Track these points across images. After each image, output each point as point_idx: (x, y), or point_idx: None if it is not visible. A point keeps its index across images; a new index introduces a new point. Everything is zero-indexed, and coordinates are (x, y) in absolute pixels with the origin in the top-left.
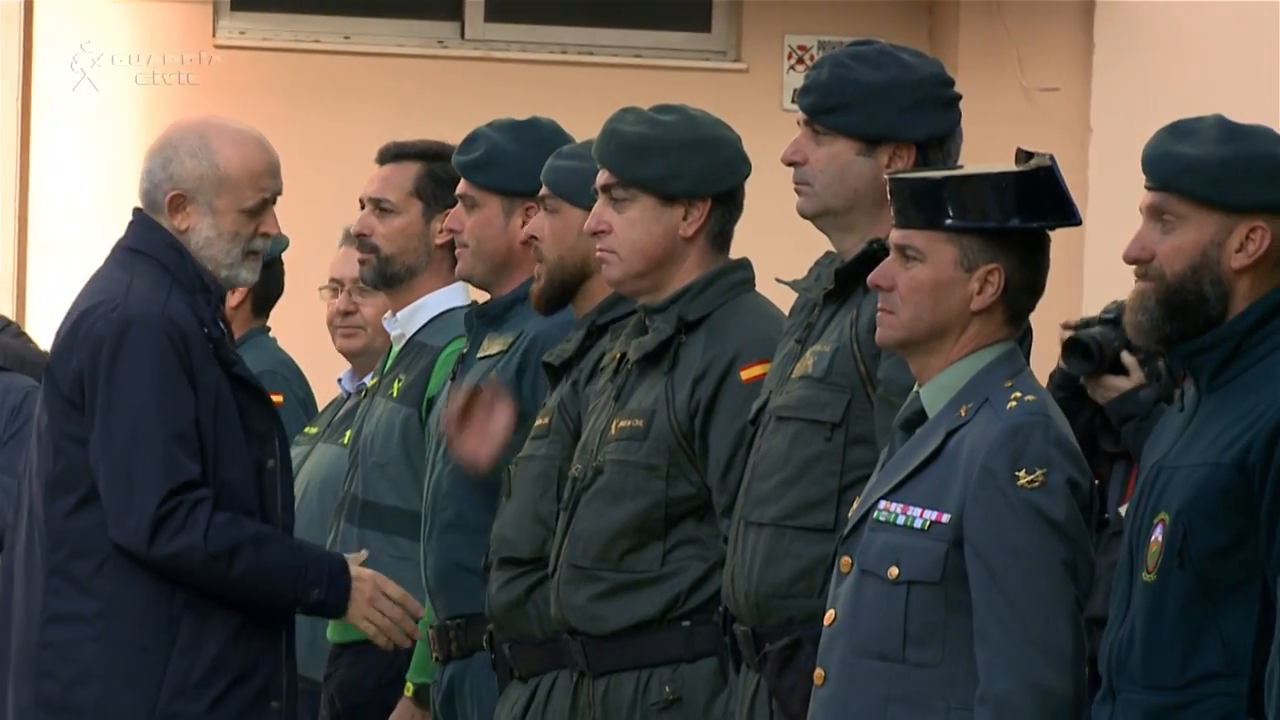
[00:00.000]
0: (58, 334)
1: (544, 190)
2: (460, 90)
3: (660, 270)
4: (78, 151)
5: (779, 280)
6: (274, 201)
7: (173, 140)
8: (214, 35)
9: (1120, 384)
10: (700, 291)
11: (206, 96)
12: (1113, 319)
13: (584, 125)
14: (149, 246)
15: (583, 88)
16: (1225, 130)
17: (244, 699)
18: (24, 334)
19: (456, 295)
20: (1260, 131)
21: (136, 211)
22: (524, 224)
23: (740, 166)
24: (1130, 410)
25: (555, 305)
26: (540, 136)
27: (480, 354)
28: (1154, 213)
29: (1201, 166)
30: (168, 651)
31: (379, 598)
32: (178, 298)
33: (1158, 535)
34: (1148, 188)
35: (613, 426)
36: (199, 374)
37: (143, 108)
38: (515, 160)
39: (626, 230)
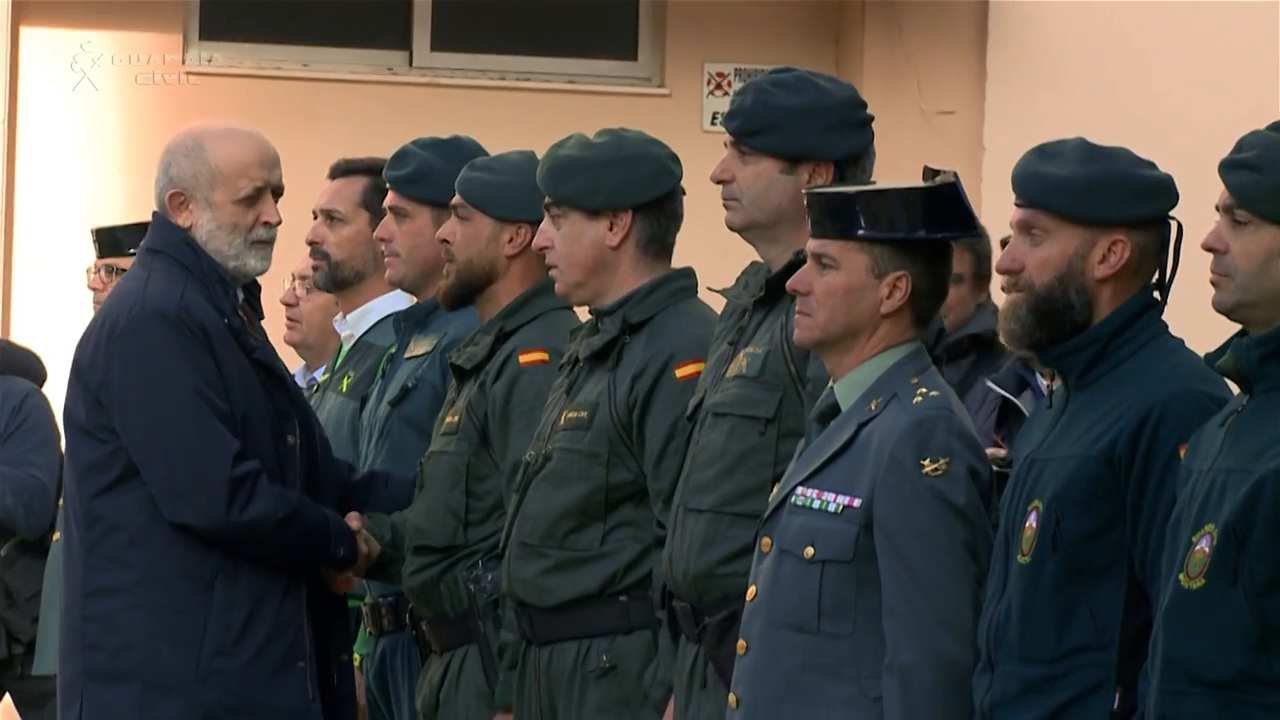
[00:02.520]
0: (84, 336)
1: (456, 198)
2: (409, 113)
3: (596, 278)
4: (63, 163)
5: (710, 288)
6: (271, 192)
7: (171, 146)
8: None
9: None
10: (645, 297)
11: (179, 120)
12: None
13: (521, 144)
14: (164, 245)
15: (520, 111)
16: (1087, 151)
17: (276, 656)
18: (12, 343)
19: (402, 299)
20: (1119, 153)
21: (154, 213)
22: None
23: (662, 180)
24: None
25: (459, 303)
26: (464, 153)
27: (407, 354)
28: (1023, 228)
29: (1066, 185)
30: (205, 613)
31: (371, 554)
32: (194, 290)
33: (1032, 521)
34: (1017, 205)
35: (562, 418)
36: (222, 360)
37: (120, 123)
38: (443, 175)
39: (562, 244)
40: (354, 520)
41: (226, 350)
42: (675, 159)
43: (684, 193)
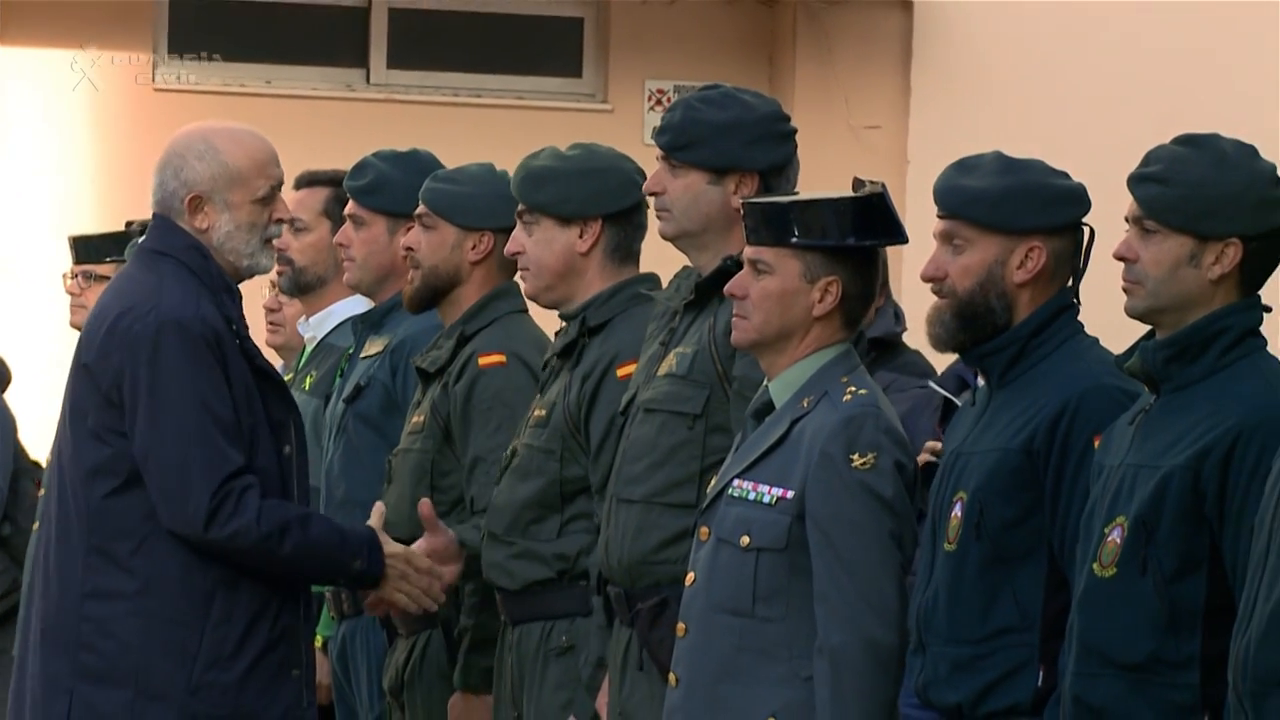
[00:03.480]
0: (89, 335)
1: (421, 208)
2: (366, 127)
3: (565, 282)
4: (36, 174)
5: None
6: (280, 189)
7: (179, 150)
8: (153, 80)
9: None
10: (605, 301)
11: (148, 134)
12: None
13: (473, 157)
14: (171, 249)
15: (472, 125)
16: (1004, 164)
17: (270, 668)
18: None
19: (362, 303)
20: (1034, 164)
21: (155, 216)
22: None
23: (630, 191)
24: None
25: (423, 306)
26: (420, 166)
27: (363, 354)
28: (945, 237)
29: (984, 196)
30: (202, 625)
31: (409, 572)
32: (206, 299)
33: (957, 511)
34: (939, 216)
35: (532, 415)
36: (230, 370)
37: (91, 137)
38: (399, 186)
39: (534, 249)
40: (376, 517)
41: (234, 360)
42: (641, 172)
43: (649, 205)
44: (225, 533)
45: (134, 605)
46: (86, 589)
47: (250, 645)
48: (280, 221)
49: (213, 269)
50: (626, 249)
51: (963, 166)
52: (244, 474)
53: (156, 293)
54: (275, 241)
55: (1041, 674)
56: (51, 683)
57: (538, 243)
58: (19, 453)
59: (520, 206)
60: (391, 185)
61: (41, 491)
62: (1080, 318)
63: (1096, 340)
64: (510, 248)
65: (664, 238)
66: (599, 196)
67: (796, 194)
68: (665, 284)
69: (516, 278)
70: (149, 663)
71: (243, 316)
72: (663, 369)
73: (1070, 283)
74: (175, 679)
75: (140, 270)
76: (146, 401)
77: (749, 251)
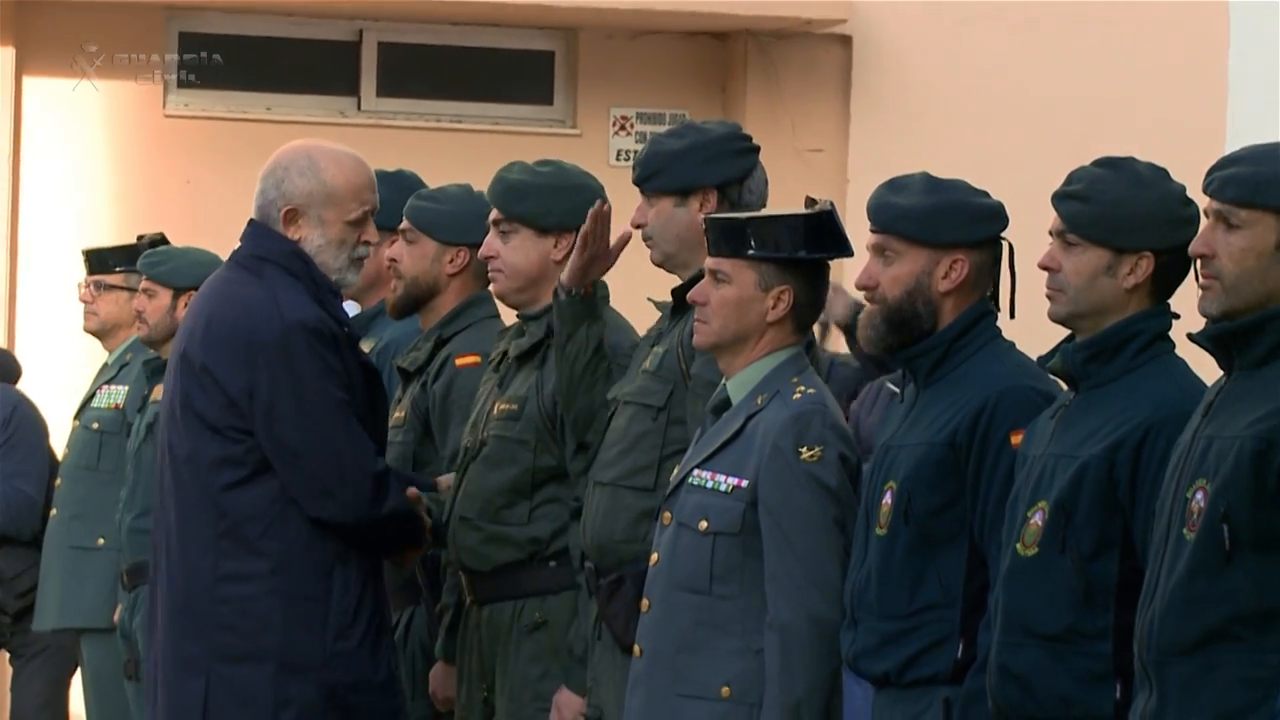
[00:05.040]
0: (198, 335)
1: (405, 224)
2: (357, 150)
3: (535, 287)
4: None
5: (649, 299)
6: (374, 214)
7: (283, 163)
8: (164, 107)
9: None
10: None
11: (160, 156)
12: None
13: (453, 177)
14: (272, 254)
15: (452, 148)
16: (930, 184)
17: (374, 634)
18: None
19: (354, 308)
20: (958, 184)
21: (252, 223)
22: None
23: None
24: None
25: (405, 313)
26: (406, 184)
27: None
28: (877, 250)
29: (912, 213)
30: (328, 598)
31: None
32: (314, 300)
33: (888, 499)
34: (872, 230)
35: (495, 408)
36: (348, 364)
37: (108, 160)
38: (386, 203)
39: (510, 255)
40: (413, 495)
41: (349, 355)
42: (602, 189)
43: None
44: (385, 510)
45: (269, 585)
46: (220, 573)
47: (363, 613)
48: (367, 243)
49: (315, 273)
50: None
51: (893, 186)
52: (380, 458)
53: (273, 298)
54: None
55: (961, 646)
56: (185, 665)
57: (514, 249)
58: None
59: (496, 215)
60: (379, 201)
61: (58, 483)
62: (1006, 322)
63: (1014, 344)
64: (484, 251)
65: (655, 265)
66: (576, 210)
67: (753, 211)
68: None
69: (490, 286)
70: (289, 638)
71: (348, 316)
72: (645, 365)
73: (990, 292)
74: (312, 651)
75: (244, 275)
76: (289, 403)
77: (709, 262)
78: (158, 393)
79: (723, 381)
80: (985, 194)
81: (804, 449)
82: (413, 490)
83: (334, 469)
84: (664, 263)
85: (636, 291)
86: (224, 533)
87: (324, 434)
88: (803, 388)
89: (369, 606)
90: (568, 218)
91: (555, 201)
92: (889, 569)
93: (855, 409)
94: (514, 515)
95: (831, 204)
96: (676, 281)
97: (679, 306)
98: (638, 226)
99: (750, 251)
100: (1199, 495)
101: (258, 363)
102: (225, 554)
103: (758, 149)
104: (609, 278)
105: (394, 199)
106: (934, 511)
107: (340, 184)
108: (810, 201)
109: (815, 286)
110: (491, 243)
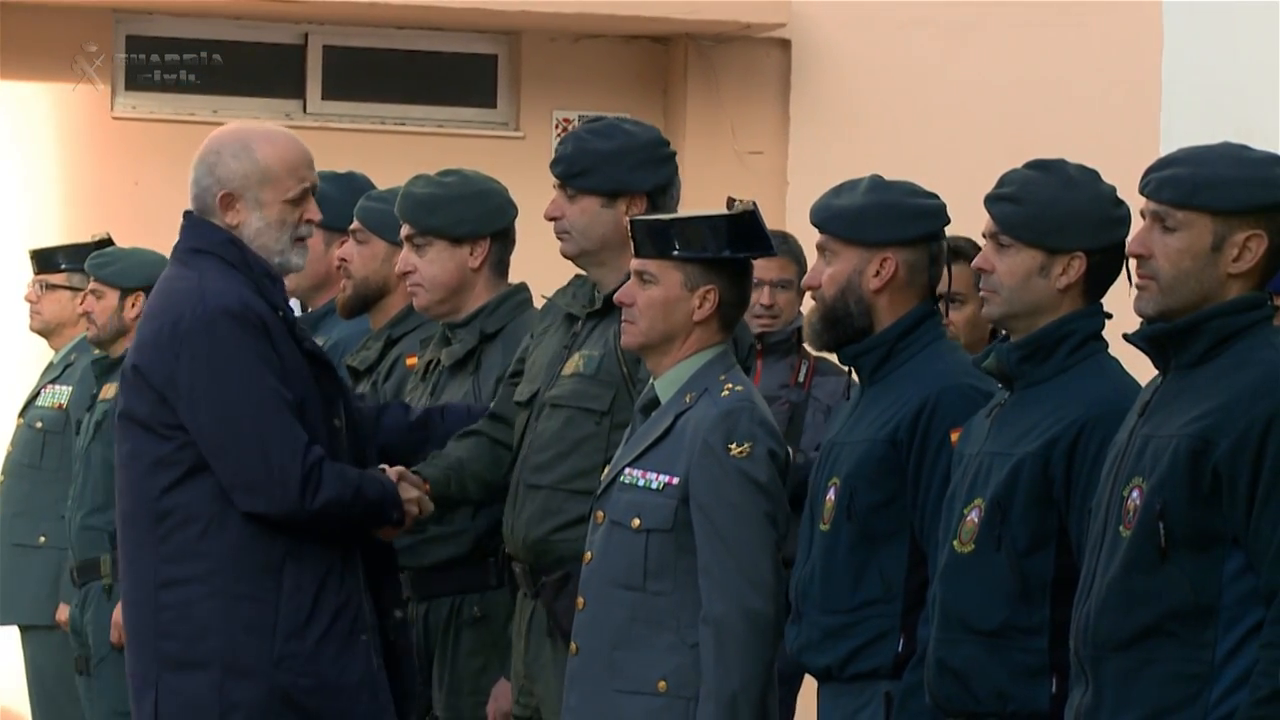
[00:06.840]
0: (140, 340)
1: (355, 224)
2: None
3: (456, 296)
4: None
5: (543, 295)
6: (313, 191)
7: (215, 147)
8: (111, 110)
9: None
10: (494, 310)
11: (107, 158)
12: None
13: (399, 179)
14: (209, 245)
15: (398, 151)
16: (874, 185)
17: (341, 634)
18: None
19: (297, 308)
20: (901, 185)
21: (187, 215)
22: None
23: (508, 209)
24: None
25: (355, 312)
26: (354, 185)
27: None
28: (820, 250)
29: (845, 213)
30: (275, 598)
31: (413, 511)
32: (248, 287)
33: (831, 495)
34: (818, 231)
35: None
36: (281, 352)
37: (56, 162)
38: (335, 203)
39: (427, 268)
40: (394, 475)
41: (283, 342)
42: (506, 191)
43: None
44: (318, 504)
45: (208, 587)
46: (160, 579)
47: (321, 612)
48: (310, 222)
49: (250, 258)
50: (505, 262)
51: (840, 188)
52: (313, 446)
53: (199, 288)
54: None
55: (902, 641)
56: (138, 678)
57: (431, 262)
58: None
59: (409, 230)
60: (327, 202)
61: (0, 480)
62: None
63: (957, 345)
64: (400, 268)
65: (565, 257)
66: (487, 217)
67: (675, 210)
68: (539, 290)
69: (413, 302)
70: (231, 641)
71: (288, 301)
72: (568, 369)
73: (937, 293)
74: (259, 654)
75: (180, 270)
76: (211, 392)
77: (635, 263)
78: (106, 391)
79: (650, 380)
80: (930, 195)
81: (733, 445)
82: (398, 468)
83: (258, 460)
84: (577, 257)
85: (554, 282)
86: (163, 537)
87: (247, 424)
88: (730, 385)
89: (330, 605)
90: (480, 224)
91: (466, 210)
92: (832, 564)
93: None
94: (457, 517)
95: (754, 204)
96: (571, 270)
97: (603, 310)
98: (553, 219)
99: (675, 252)
100: (1135, 493)
101: (179, 350)
102: (165, 559)
103: (675, 154)
104: (531, 269)
105: (344, 200)
106: (875, 508)
107: (275, 162)
108: (731, 202)
109: (739, 285)
110: (407, 258)
